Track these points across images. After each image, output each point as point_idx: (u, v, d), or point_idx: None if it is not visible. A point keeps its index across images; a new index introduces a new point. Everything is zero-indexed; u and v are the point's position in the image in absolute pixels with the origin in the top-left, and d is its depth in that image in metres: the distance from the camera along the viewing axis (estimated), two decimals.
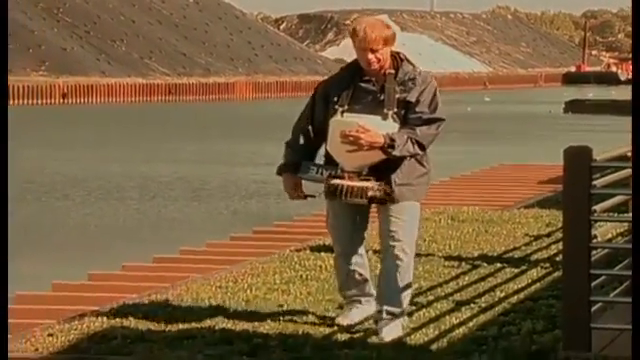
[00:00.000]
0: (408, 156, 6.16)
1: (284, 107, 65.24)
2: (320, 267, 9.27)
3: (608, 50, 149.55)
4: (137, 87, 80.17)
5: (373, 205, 6.39)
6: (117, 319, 7.51)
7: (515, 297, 7.95)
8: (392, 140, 6.03)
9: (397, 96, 6.11)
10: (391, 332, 6.46)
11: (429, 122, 6.16)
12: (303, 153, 6.34)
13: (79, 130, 46.76)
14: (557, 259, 8.86)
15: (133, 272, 10.61)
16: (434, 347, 6.54)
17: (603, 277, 6.30)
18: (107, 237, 18.79)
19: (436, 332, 6.89)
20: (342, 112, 6.14)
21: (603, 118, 50.10)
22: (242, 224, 16.35)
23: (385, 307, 6.45)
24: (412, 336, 6.91)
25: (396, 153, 6.08)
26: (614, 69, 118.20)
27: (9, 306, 9.33)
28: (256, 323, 7.26)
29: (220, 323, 7.27)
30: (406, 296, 6.59)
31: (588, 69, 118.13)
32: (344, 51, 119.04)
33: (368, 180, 6.10)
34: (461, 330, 6.87)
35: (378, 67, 6.13)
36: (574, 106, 60.19)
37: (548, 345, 6.20)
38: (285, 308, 7.73)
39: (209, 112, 63.06)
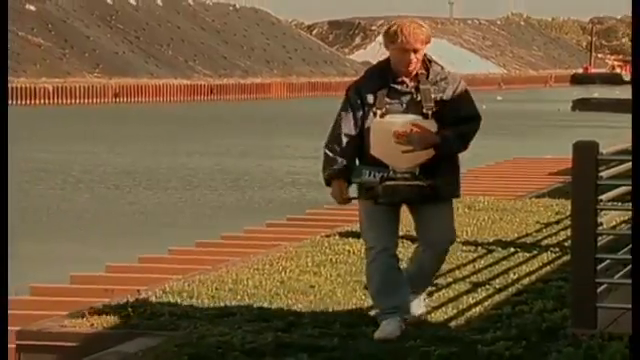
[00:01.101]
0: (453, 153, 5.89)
1: (316, 105, 65.25)
2: (348, 251, 9.25)
3: (613, 53, 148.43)
4: (182, 87, 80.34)
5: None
6: (164, 298, 7.53)
7: (527, 279, 7.91)
8: (444, 138, 5.69)
9: (434, 96, 5.73)
10: (418, 308, 6.32)
11: (468, 120, 5.83)
12: (349, 157, 5.86)
13: (129, 126, 46.91)
14: (566, 244, 8.81)
15: (178, 255, 10.63)
16: (453, 324, 6.52)
17: (608, 261, 6.26)
18: (154, 223, 18.86)
19: (454, 311, 6.87)
20: (382, 114, 5.73)
21: (608, 115, 49.78)
22: (277, 212, 16.35)
23: (416, 287, 6.23)
24: (433, 314, 6.89)
25: (447, 151, 5.76)
26: (618, 70, 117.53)
27: (67, 285, 9.39)
28: (290, 302, 7.26)
29: (257, 302, 7.27)
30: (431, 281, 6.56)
31: (594, 71, 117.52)
32: (370, 54, 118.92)
33: (421, 179, 5.71)
34: (477, 309, 6.84)
35: (412, 68, 5.74)
36: (581, 104, 59.94)
37: (557, 323, 6.17)
38: (316, 288, 7.72)
39: (247, 110, 63.12)
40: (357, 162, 5.87)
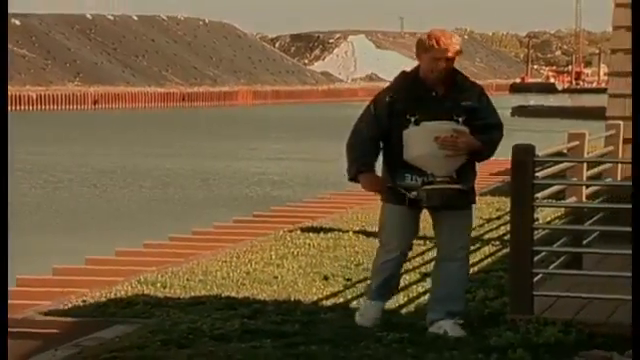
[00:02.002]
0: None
1: (279, 111, 65.21)
2: (309, 245, 9.25)
3: (547, 65, 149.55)
4: (156, 95, 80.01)
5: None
6: (139, 288, 7.49)
7: (470, 270, 7.93)
8: (485, 143, 5.52)
9: (462, 103, 5.52)
10: (454, 331, 5.64)
11: (496, 127, 5.63)
12: (372, 157, 5.66)
13: (107, 131, 46.64)
14: (505, 238, 8.85)
15: (152, 249, 10.57)
16: (404, 311, 6.53)
17: (543, 253, 6.29)
18: (130, 219, 18.75)
19: (405, 299, 6.88)
20: (415, 121, 5.48)
21: (543, 120, 50.15)
22: (244, 209, 16.31)
23: (450, 308, 5.71)
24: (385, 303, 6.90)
25: (486, 156, 5.61)
26: (552, 80, 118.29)
27: (50, 277, 9.31)
28: (255, 291, 7.25)
29: (225, 291, 7.25)
30: (464, 295, 5.94)
31: (531, 80, 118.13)
32: (329, 65, 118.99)
33: (458, 183, 5.51)
34: (426, 297, 6.85)
35: (443, 76, 5.54)
36: (519, 111, 60.32)
37: (498, 309, 6.19)
38: (279, 279, 7.72)
39: (216, 115, 62.93)
40: (388, 166, 5.66)
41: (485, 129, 5.55)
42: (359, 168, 5.65)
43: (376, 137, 5.60)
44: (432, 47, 5.51)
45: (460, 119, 5.49)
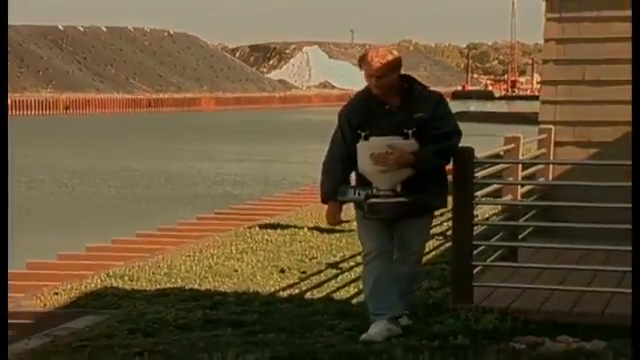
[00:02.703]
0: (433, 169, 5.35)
1: (239, 116, 65.00)
2: (267, 240, 9.23)
3: (485, 74, 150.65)
4: (124, 101, 79.44)
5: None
6: (108, 281, 7.43)
7: None
8: (421, 157, 5.18)
9: (415, 115, 5.20)
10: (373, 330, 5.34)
11: (449, 136, 5.30)
12: (342, 178, 5.36)
13: (78, 134, 46.20)
14: (448, 233, 8.89)
15: (121, 245, 10.49)
16: (354, 301, 6.53)
17: (482, 247, 6.33)
18: (98, 217, 18.58)
19: (355, 290, 6.88)
20: (365, 136, 5.22)
21: (482, 125, 50.49)
22: (206, 207, 16.24)
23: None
24: (337, 293, 6.91)
25: (424, 167, 5.23)
26: (490, 88, 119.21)
27: (24, 271, 9.20)
28: (217, 284, 7.22)
29: (189, 284, 7.21)
30: (411, 292, 5.71)
31: (470, 88, 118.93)
32: (285, 73, 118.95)
33: (402, 196, 5.22)
34: None
35: (387, 91, 5.23)
36: (460, 116, 59.67)
37: (441, 299, 6.21)
38: (239, 272, 7.69)
39: (181, 120, 62.60)
40: (352, 180, 5.42)
41: (438, 138, 5.25)
42: (324, 197, 5.40)
43: (344, 154, 5.31)
44: (363, 65, 5.26)
45: (410, 132, 5.20)
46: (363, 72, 5.27)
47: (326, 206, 5.44)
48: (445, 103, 5.35)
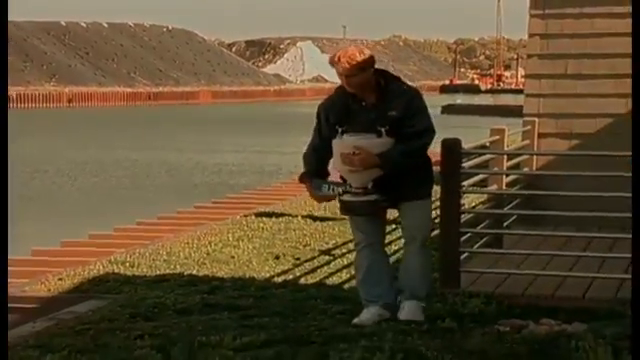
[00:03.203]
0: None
1: (236, 109, 64.91)
2: (262, 228, 9.23)
3: (472, 68, 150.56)
4: (125, 94, 79.27)
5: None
6: (110, 267, 7.43)
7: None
8: (386, 159, 4.96)
9: (389, 113, 4.99)
10: (411, 312, 5.23)
11: (420, 134, 5.06)
12: (316, 168, 5.20)
13: (81, 126, 46.10)
14: (436, 221, 8.89)
15: (122, 233, 10.49)
16: (346, 286, 6.54)
17: (469, 234, 6.33)
18: (100, 206, 18.57)
19: (348, 275, 6.89)
20: (341, 133, 5.03)
21: (469, 117, 50.55)
22: (204, 196, 16.24)
23: (409, 291, 5.27)
24: (330, 278, 6.92)
25: (391, 168, 5.01)
26: (477, 82, 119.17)
27: (29, 257, 9.19)
28: (214, 270, 7.22)
29: (187, 270, 7.22)
30: (428, 282, 5.40)
31: (458, 82, 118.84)
32: (280, 68, 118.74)
33: (372, 194, 5.03)
34: None
35: (363, 90, 5.03)
36: (448, 109, 60.69)
37: None
38: (236, 259, 7.69)
39: (180, 113, 62.50)
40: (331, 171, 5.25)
41: (411, 137, 5.03)
42: (300, 177, 5.32)
43: (318, 147, 5.17)
44: (335, 65, 5.05)
45: (384, 130, 4.99)
46: (337, 72, 5.10)
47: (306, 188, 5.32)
48: (420, 100, 5.12)
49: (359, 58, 5.00)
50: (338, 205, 5.21)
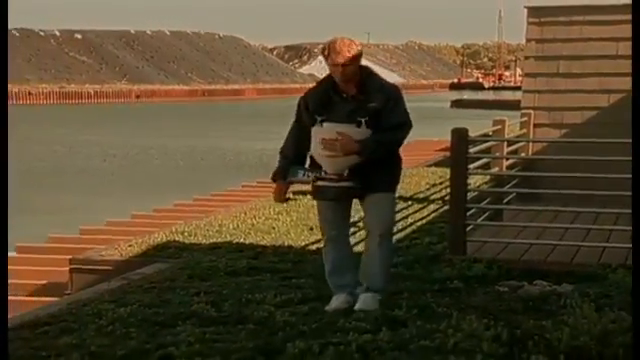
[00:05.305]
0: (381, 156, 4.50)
1: (276, 103, 64.86)
2: (299, 204, 9.21)
3: (477, 69, 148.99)
4: (183, 91, 79.59)
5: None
6: (171, 237, 7.47)
7: (420, 222, 7.95)
8: (364, 146, 4.39)
9: (368, 105, 4.44)
10: (367, 303, 4.55)
11: (397, 127, 4.46)
12: (294, 159, 4.62)
13: (147, 118, 46.33)
14: (446, 198, 8.87)
15: (181, 207, 10.57)
16: None
17: (474, 209, 6.31)
18: (162, 185, 18.65)
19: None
20: (321, 121, 4.47)
21: (474, 110, 50.12)
22: (250, 176, 16.28)
23: (367, 283, 4.60)
24: (356, 247, 6.88)
25: (368, 155, 4.42)
26: (481, 80, 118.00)
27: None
28: (258, 239, 7.24)
29: (235, 239, 7.24)
30: (386, 274, 4.66)
31: (465, 80, 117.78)
32: (314, 68, 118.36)
33: (347, 180, 4.47)
34: None
35: (349, 80, 4.48)
36: (456, 103, 60.29)
37: (439, 251, 6.20)
38: (276, 229, 7.70)
39: (230, 107, 62.63)
40: (307, 163, 4.63)
41: (388, 129, 4.45)
42: (273, 176, 4.73)
43: (296, 136, 4.60)
44: (328, 56, 4.50)
45: (363, 120, 4.42)
46: (328, 61, 4.51)
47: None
48: (398, 96, 4.54)
49: (357, 48, 4.51)
50: (311, 190, 4.61)
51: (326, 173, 4.51)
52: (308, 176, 4.57)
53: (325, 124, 4.48)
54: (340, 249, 4.69)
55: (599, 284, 5.08)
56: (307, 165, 4.62)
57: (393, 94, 4.53)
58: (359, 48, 4.51)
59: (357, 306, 4.51)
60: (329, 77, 4.60)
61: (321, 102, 4.53)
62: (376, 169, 4.49)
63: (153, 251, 6.84)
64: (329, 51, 4.48)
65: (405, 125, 4.52)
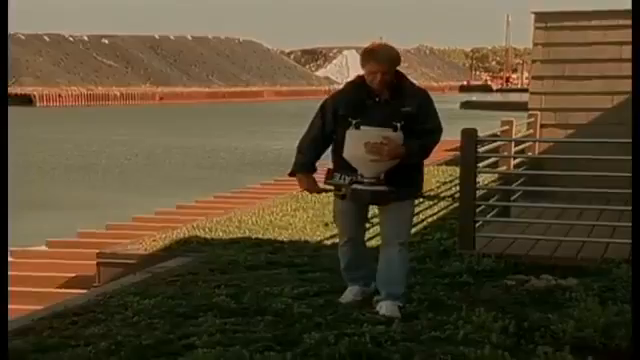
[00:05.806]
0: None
1: (293, 105, 64.87)
2: (315, 202, 9.23)
3: (485, 71, 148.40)
4: (205, 93, 79.78)
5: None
6: (193, 232, 7.49)
7: (431, 218, 7.94)
8: (410, 150, 4.25)
9: (402, 109, 4.28)
10: (391, 311, 4.36)
11: (432, 132, 4.33)
12: (314, 159, 4.49)
13: (170, 118, 46.50)
14: (456, 196, 8.84)
15: (203, 204, 10.60)
16: None
17: (483, 206, 6.29)
18: (183, 183, 18.70)
19: (379, 242, 6.85)
20: (356, 124, 4.28)
21: (483, 111, 49.91)
22: (267, 174, 16.30)
23: (387, 290, 4.45)
24: (370, 241, 6.85)
25: (411, 160, 4.30)
26: (489, 83, 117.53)
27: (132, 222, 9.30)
28: (276, 234, 7.25)
29: (254, 234, 7.25)
30: (405, 280, 4.51)
31: (474, 83, 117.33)
32: (329, 71, 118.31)
33: (384, 184, 4.30)
34: None
35: (383, 86, 4.32)
36: (466, 105, 60.06)
37: (450, 246, 6.18)
38: (293, 225, 7.71)
39: (249, 108, 62.75)
40: (332, 164, 4.46)
41: (422, 134, 4.30)
42: (295, 168, 4.55)
43: (318, 138, 4.42)
44: (368, 61, 4.32)
45: (399, 124, 4.27)
46: (366, 67, 4.33)
47: (297, 179, 4.61)
48: (430, 101, 4.41)
49: (397, 56, 4.37)
50: (342, 194, 4.42)
51: (362, 177, 4.32)
52: (344, 179, 4.38)
53: (364, 127, 4.29)
54: (357, 248, 4.64)
55: (603, 278, 5.06)
56: (331, 167, 4.45)
57: (426, 99, 4.40)
58: (399, 55, 4.38)
59: (382, 311, 4.35)
60: (359, 79, 4.43)
61: (354, 105, 4.34)
62: (405, 174, 4.34)
63: (176, 246, 6.87)
64: (369, 58, 4.31)
65: (439, 130, 4.39)
